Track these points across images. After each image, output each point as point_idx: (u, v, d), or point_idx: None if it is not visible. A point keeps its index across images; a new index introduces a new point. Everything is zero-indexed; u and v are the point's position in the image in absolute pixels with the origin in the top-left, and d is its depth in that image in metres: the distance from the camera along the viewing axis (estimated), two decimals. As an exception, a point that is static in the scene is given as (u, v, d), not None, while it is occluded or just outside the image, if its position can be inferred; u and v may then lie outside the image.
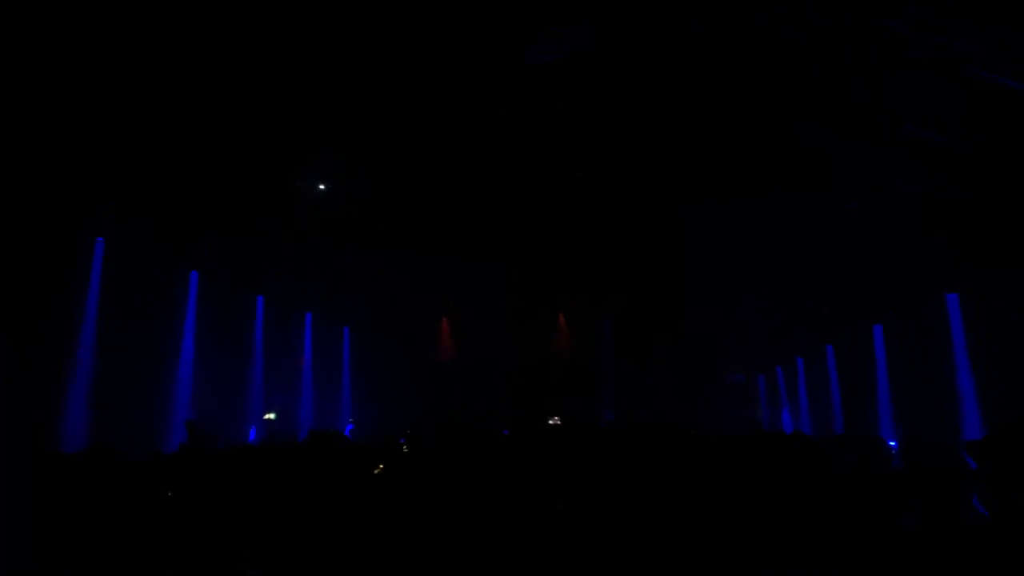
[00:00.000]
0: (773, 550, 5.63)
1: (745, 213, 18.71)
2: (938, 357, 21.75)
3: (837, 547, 5.81)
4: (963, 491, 8.86)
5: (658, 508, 6.17)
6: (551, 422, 24.66)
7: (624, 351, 27.39)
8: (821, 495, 6.32)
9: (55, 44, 13.30)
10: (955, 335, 21.87)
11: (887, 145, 13.54)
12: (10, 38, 12.70)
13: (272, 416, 25.86)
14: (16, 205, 17.06)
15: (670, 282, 24.76)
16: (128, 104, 15.48)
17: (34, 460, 8.19)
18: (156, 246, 21.45)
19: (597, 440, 8.22)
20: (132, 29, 13.39)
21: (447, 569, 5.93)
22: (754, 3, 11.38)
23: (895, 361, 23.93)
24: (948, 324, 21.97)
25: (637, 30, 12.05)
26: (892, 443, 18.02)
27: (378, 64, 14.93)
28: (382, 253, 24.03)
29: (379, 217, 22.65)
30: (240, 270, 24.13)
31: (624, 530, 5.98)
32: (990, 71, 11.08)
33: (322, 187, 22.28)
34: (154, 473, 8.30)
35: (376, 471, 8.28)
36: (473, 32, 12.93)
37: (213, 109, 16.35)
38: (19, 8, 12.19)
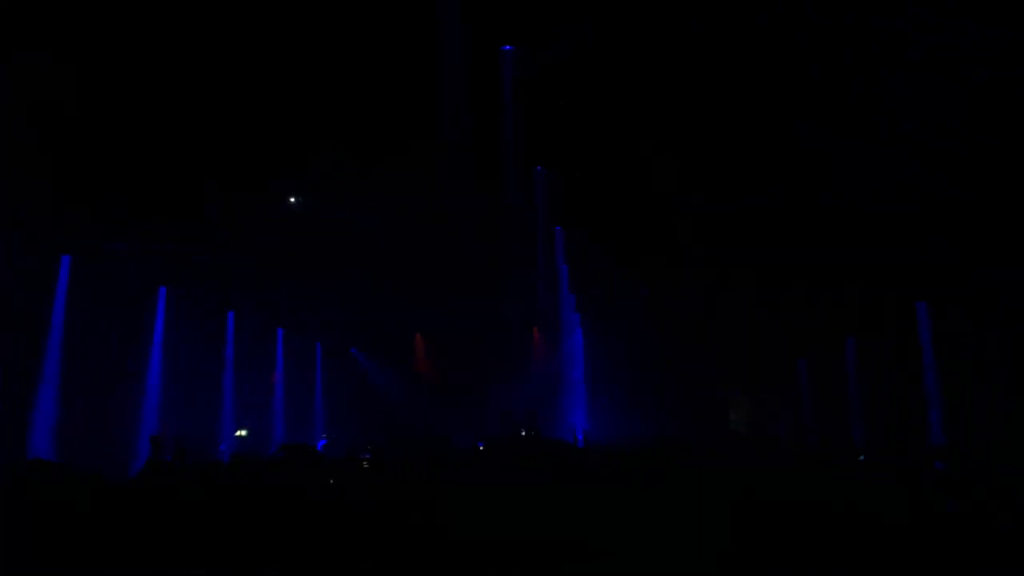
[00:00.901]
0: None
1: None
2: (907, 366, 22.05)
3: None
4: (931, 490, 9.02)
5: None
6: (523, 434, 24.66)
7: (601, 365, 27.35)
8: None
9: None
10: (924, 344, 22.14)
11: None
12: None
13: (244, 433, 25.49)
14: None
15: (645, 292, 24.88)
16: (98, 116, 15.29)
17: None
18: (123, 261, 21.21)
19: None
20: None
21: None
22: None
23: (865, 372, 24.12)
24: (917, 333, 22.24)
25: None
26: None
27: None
28: (355, 269, 23.85)
29: (350, 233, 22.51)
30: (211, 285, 23.78)
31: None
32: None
33: (292, 200, 22.12)
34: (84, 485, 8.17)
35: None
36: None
37: (186, 120, 16.16)
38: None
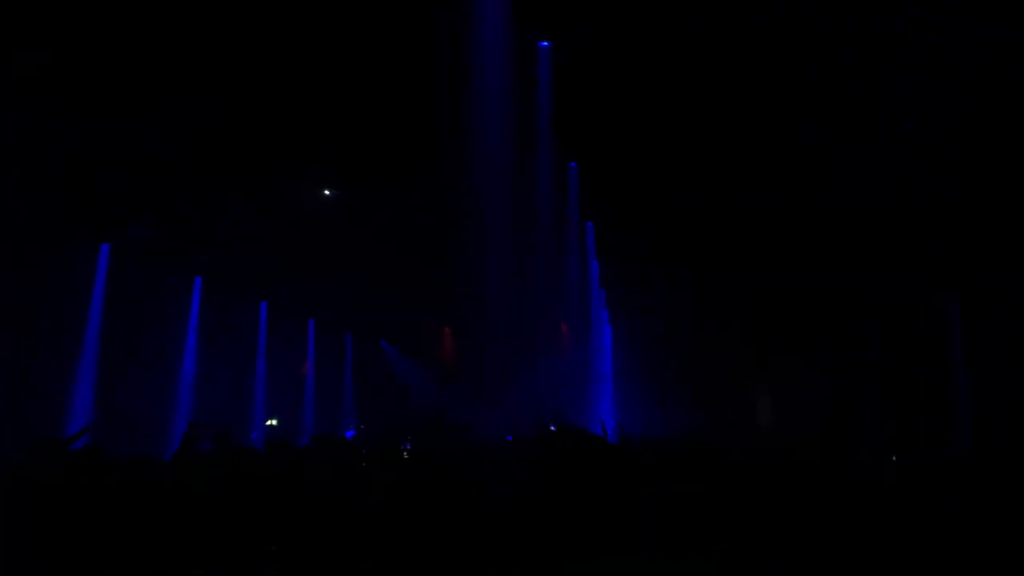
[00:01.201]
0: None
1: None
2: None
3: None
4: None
5: None
6: (552, 428, 24.64)
7: (628, 360, 27.38)
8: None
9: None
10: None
11: (887, 145, 13.61)
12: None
13: (274, 422, 25.85)
14: (18, 213, 17.14)
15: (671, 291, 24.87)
16: (132, 107, 15.50)
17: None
18: (160, 251, 21.56)
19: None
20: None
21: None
22: (754, 3, 11.45)
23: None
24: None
25: (637, 30, 12.10)
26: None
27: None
28: (385, 262, 24.03)
29: (379, 227, 22.69)
30: (244, 276, 24.09)
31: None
32: (990, 71, 11.18)
33: (327, 192, 22.34)
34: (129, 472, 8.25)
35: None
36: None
37: (216, 114, 16.36)
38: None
